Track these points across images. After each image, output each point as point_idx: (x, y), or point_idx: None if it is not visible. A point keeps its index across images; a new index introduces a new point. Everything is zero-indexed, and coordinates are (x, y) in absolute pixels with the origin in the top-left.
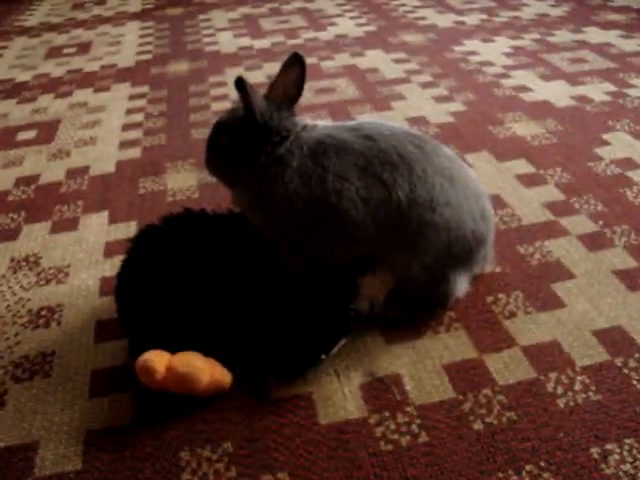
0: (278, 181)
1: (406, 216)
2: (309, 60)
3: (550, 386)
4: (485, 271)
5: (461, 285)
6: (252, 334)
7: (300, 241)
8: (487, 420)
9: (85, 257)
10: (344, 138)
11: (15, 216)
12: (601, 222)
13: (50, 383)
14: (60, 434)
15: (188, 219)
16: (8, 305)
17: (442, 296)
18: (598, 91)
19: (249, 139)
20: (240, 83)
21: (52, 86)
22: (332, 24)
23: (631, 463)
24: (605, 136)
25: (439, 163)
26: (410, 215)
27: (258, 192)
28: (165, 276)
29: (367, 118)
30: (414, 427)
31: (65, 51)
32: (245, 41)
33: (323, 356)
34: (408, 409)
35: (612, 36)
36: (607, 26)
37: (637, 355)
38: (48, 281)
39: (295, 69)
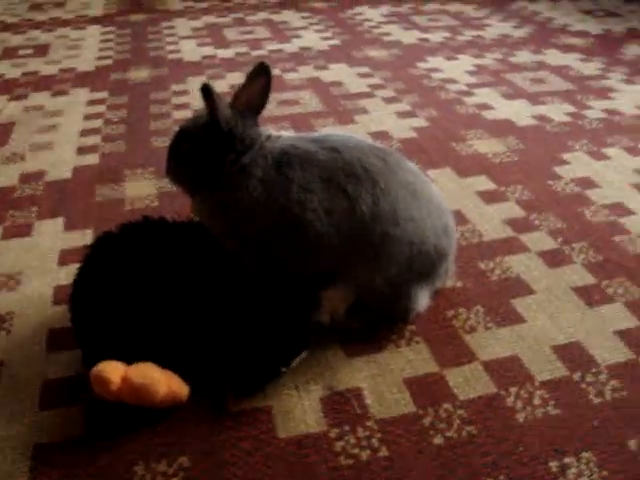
0: (242, 190)
1: (369, 229)
2: (273, 72)
3: (510, 400)
4: (446, 286)
5: (422, 299)
6: (210, 346)
7: (261, 251)
8: (447, 434)
9: (38, 264)
10: (308, 149)
11: None
12: (560, 239)
13: None
14: (5, 449)
15: (146, 227)
16: None
17: (403, 310)
18: (558, 111)
19: (212, 147)
20: (206, 89)
21: (6, 88)
22: (297, 36)
23: (589, 476)
24: (564, 155)
25: (403, 177)
26: (373, 228)
27: (220, 200)
28: (121, 285)
29: (331, 130)
30: (374, 441)
31: (21, 52)
32: (208, 50)
33: (283, 369)
34: (368, 423)
35: (571, 59)
36: (566, 49)
37: (594, 370)
38: None
39: (261, 79)
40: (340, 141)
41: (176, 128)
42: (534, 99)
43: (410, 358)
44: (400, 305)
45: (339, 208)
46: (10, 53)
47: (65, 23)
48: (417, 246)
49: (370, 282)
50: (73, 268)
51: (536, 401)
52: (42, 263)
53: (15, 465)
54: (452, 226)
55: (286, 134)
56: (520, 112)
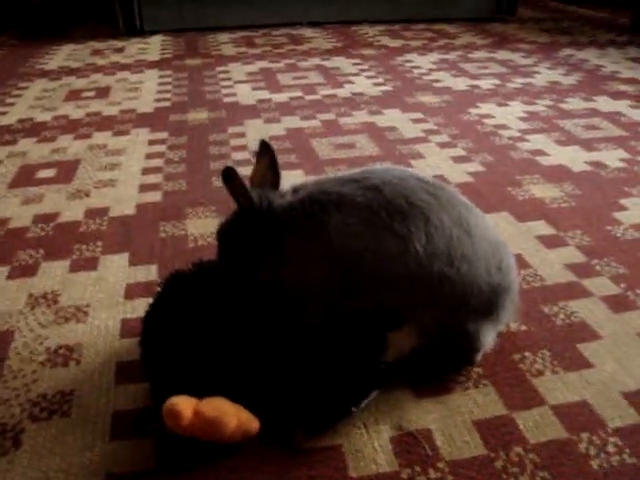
0: (279, 249)
1: (427, 269)
2: (328, 116)
3: (582, 447)
4: (509, 326)
5: (485, 339)
6: (280, 383)
7: (319, 302)
8: (521, 479)
9: (105, 297)
10: (342, 192)
11: (33, 252)
12: (623, 285)
13: (69, 423)
14: (79, 477)
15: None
16: (25, 342)
17: (467, 352)
18: (612, 157)
19: (250, 227)
20: (229, 174)
21: (71, 127)
22: (349, 82)
23: None
24: (622, 201)
25: (456, 213)
26: (431, 268)
27: (269, 265)
28: (193, 322)
29: (376, 165)
30: None
31: (84, 94)
32: (263, 94)
33: (354, 409)
34: (440, 464)
35: (622, 105)
36: (617, 96)
37: None
38: (67, 319)
39: (266, 157)
40: (381, 178)
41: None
42: (588, 145)
43: (478, 401)
44: (462, 346)
45: (387, 249)
46: (74, 95)
47: (124, 67)
48: (469, 287)
49: (428, 324)
50: (139, 302)
51: (610, 448)
52: (108, 296)
53: None
54: (508, 261)
55: (312, 179)
56: (574, 158)
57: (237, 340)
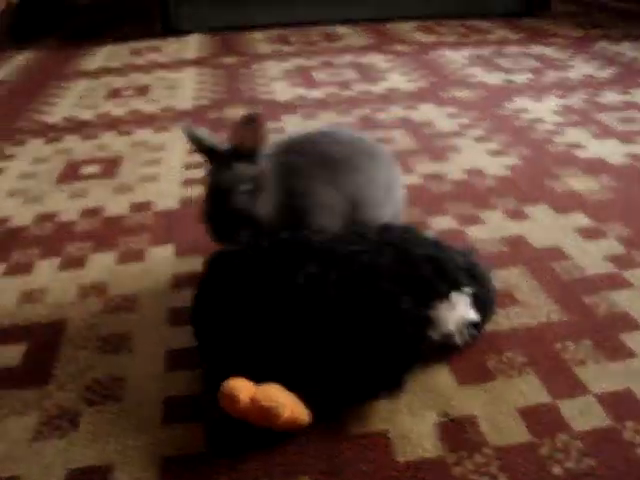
0: None
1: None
2: (363, 111)
3: (627, 434)
4: (549, 316)
5: None
6: (330, 363)
7: None
8: (566, 465)
9: (153, 287)
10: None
11: (82, 245)
12: None
13: (123, 408)
14: (135, 458)
15: (272, 244)
16: (77, 330)
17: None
18: None
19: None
20: (252, 119)
21: (113, 125)
22: (383, 78)
23: None
24: None
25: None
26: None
27: None
28: (243, 303)
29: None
30: (493, 468)
31: (124, 93)
32: (299, 91)
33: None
34: (485, 450)
35: None
36: None
37: None
38: (117, 309)
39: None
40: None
41: None
42: (626, 138)
43: (522, 388)
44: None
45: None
46: (115, 94)
47: (162, 66)
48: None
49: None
50: (187, 292)
51: None
52: (156, 286)
53: (145, 473)
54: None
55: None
56: (612, 151)
57: (289, 322)
